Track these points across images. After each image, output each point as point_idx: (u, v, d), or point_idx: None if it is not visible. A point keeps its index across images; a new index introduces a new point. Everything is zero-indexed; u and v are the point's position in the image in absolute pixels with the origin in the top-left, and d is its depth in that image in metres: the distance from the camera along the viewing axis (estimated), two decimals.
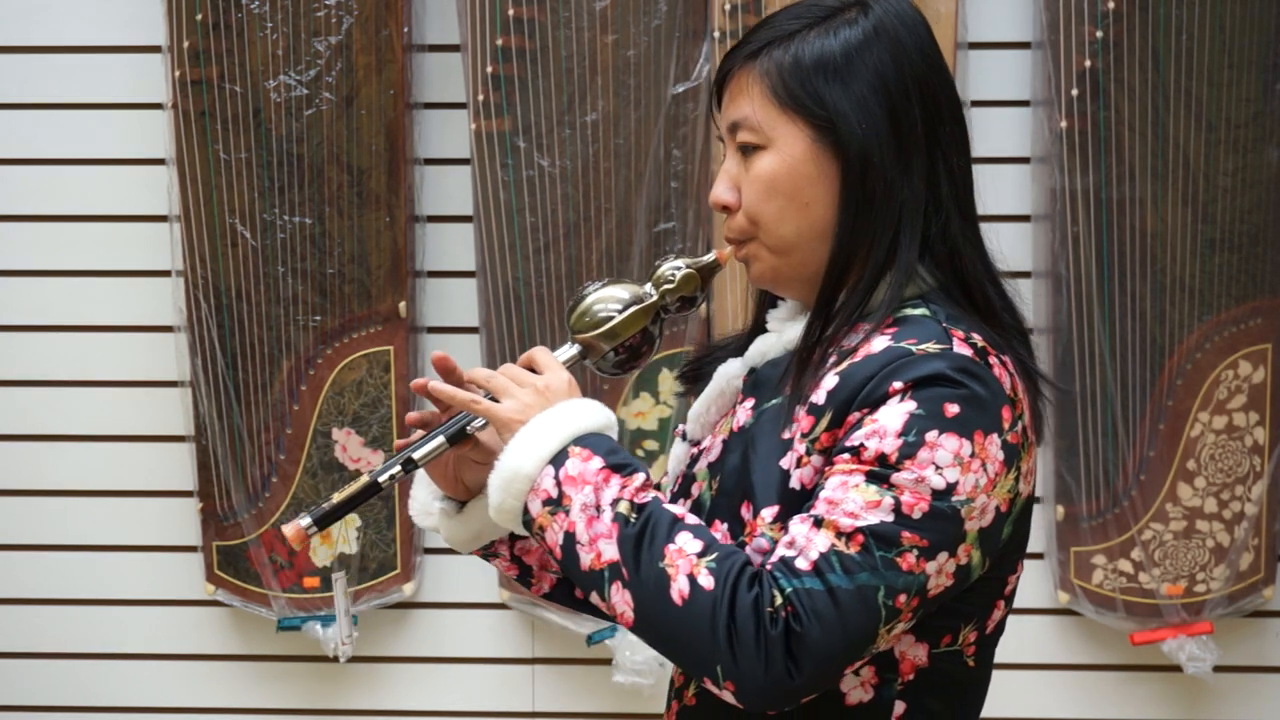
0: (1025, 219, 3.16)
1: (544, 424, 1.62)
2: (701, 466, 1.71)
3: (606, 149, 3.07)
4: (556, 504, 1.59)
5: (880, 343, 1.58)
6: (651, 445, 3.13)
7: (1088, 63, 2.99)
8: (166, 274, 3.18)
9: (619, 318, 1.74)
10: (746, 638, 1.49)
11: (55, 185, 3.24)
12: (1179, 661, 3.12)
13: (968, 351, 1.56)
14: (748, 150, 1.65)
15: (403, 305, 3.12)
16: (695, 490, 1.71)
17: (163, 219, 3.18)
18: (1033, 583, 3.20)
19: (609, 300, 1.75)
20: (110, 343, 3.26)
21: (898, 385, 1.54)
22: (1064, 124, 3.01)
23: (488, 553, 1.81)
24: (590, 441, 1.61)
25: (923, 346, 1.56)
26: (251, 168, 3.09)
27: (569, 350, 1.75)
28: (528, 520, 1.62)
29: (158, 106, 3.17)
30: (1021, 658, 3.21)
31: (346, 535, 3.18)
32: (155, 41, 3.14)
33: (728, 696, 1.52)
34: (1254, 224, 3.04)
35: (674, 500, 1.75)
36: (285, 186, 3.09)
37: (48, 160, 3.24)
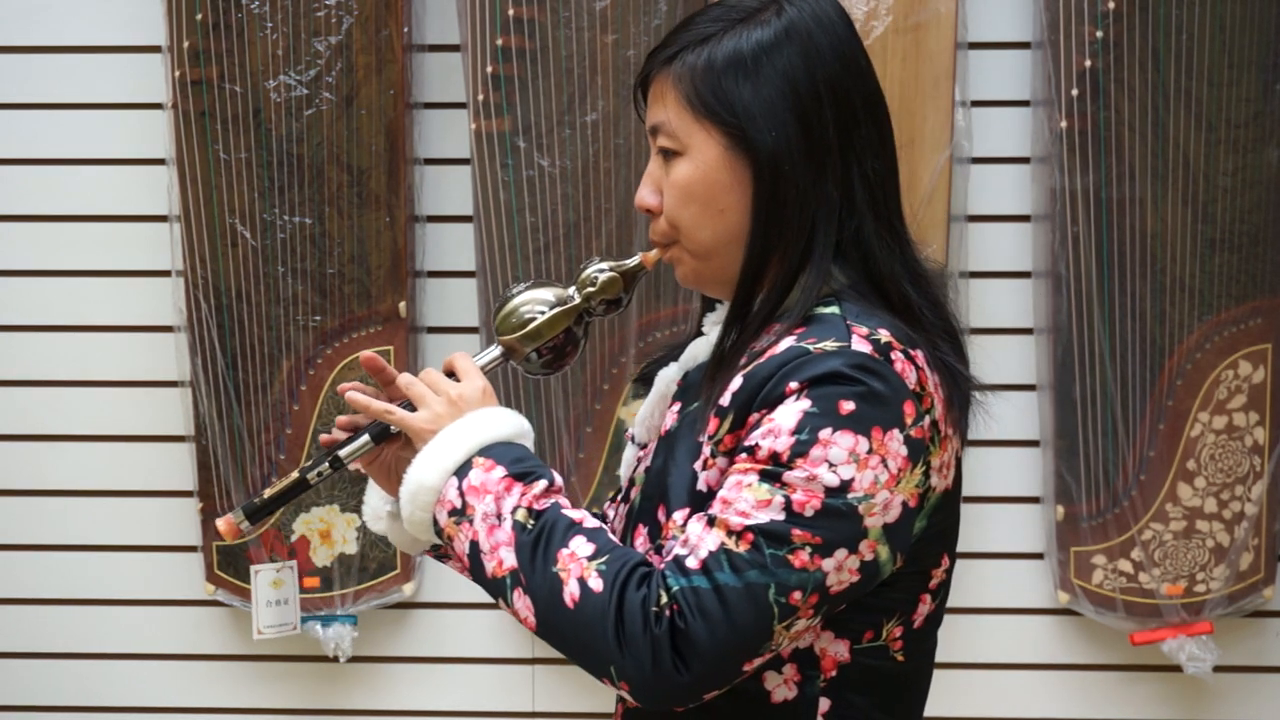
0: (1025, 219, 3.16)
1: (451, 435, 1.65)
2: (640, 471, 1.74)
3: (606, 149, 3.07)
4: (461, 514, 1.62)
5: (785, 343, 1.58)
6: None
7: (1088, 63, 2.99)
8: (166, 274, 3.18)
9: (540, 319, 1.76)
10: (634, 637, 1.52)
11: (55, 185, 3.24)
12: (1179, 661, 3.12)
13: (866, 348, 1.56)
14: (667, 155, 1.67)
15: (403, 305, 3.12)
16: (633, 494, 1.73)
17: (163, 219, 3.18)
18: (1033, 583, 3.20)
19: (533, 302, 1.77)
20: (110, 343, 3.26)
21: (794, 385, 1.55)
22: (1064, 124, 3.01)
23: (440, 555, 1.83)
24: (495, 451, 1.64)
25: (820, 345, 1.56)
26: (251, 168, 3.09)
27: (492, 352, 1.78)
28: (438, 530, 1.65)
29: (158, 106, 3.17)
30: (1021, 658, 3.21)
31: (346, 535, 3.18)
32: (155, 41, 3.14)
33: (625, 696, 1.56)
34: (1254, 224, 3.04)
35: (621, 504, 1.78)
36: (285, 186, 3.09)
37: (48, 160, 3.24)
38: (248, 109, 3.08)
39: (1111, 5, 2.98)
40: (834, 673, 1.61)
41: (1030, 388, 3.16)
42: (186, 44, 3.06)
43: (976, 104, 3.11)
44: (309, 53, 3.06)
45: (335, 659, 3.20)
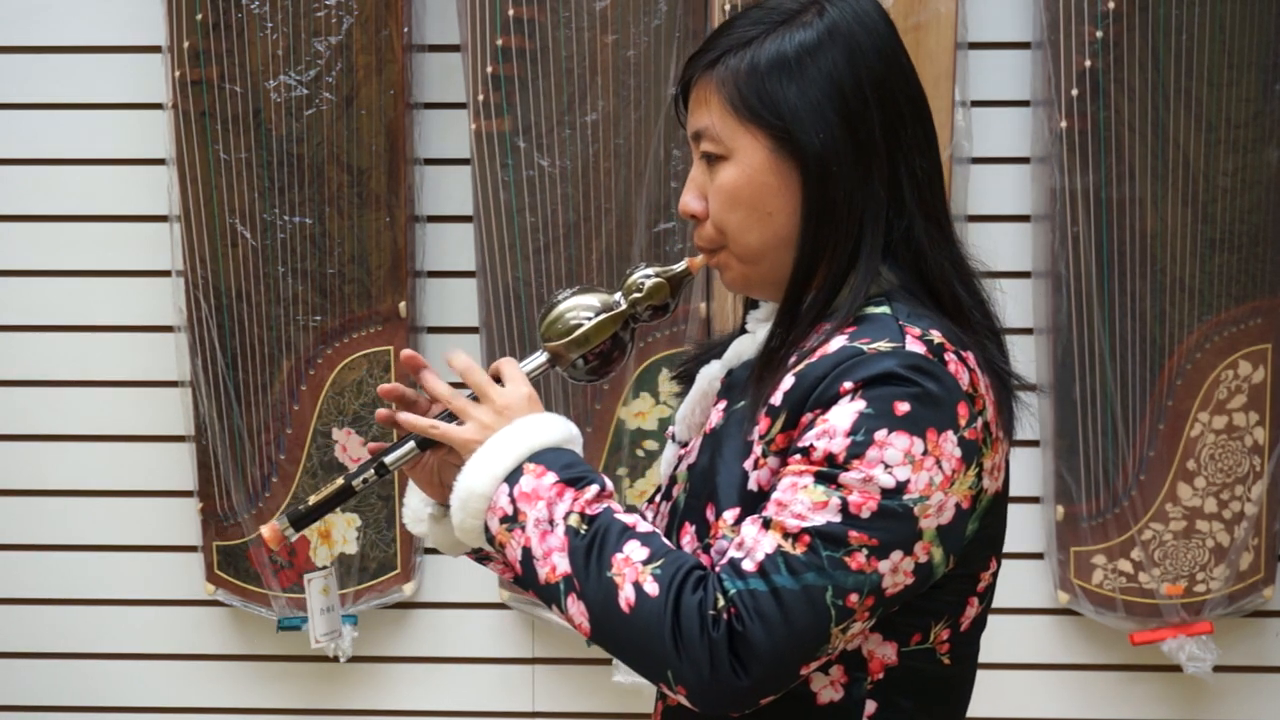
0: (1025, 219, 3.16)
1: (500, 443, 1.64)
2: (682, 469, 1.73)
3: (606, 149, 3.07)
4: (513, 520, 1.61)
5: (837, 342, 1.58)
6: (651, 445, 3.13)
7: (1088, 63, 2.99)
8: (166, 274, 3.18)
9: (587, 325, 1.75)
10: (691, 641, 1.51)
11: (55, 185, 3.24)
12: (1179, 661, 3.12)
13: (921, 349, 1.56)
14: (711, 160, 1.65)
15: (403, 305, 3.12)
16: (675, 492, 1.72)
17: (163, 219, 3.18)
18: (1033, 583, 3.20)
19: (579, 308, 1.76)
20: (110, 343, 3.25)
21: (848, 385, 1.54)
22: (1064, 124, 3.01)
23: (480, 556, 1.82)
24: (545, 457, 1.63)
25: (874, 345, 1.56)
26: (251, 168, 3.09)
27: (538, 358, 1.76)
28: (489, 538, 1.64)
29: (158, 106, 3.17)
30: (1021, 658, 3.21)
31: (346, 535, 3.18)
32: (155, 41, 3.14)
33: (682, 700, 1.53)
34: (1254, 224, 3.04)
35: (661, 502, 1.77)
36: (285, 186, 3.09)
37: (48, 160, 3.24)
38: (248, 109, 3.08)
39: (1111, 5, 2.98)
40: (880, 675, 1.61)
41: (1030, 388, 3.16)
42: (186, 44, 3.06)
43: (976, 104, 3.11)
44: (309, 53, 3.06)
45: (335, 659, 3.20)
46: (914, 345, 1.56)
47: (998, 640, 3.19)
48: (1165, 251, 3.04)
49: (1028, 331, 3.17)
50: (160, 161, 3.16)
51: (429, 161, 3.19)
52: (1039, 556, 3.20)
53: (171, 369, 3.21)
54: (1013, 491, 3.29)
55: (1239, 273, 3.05)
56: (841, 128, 1.61)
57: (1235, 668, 3.21)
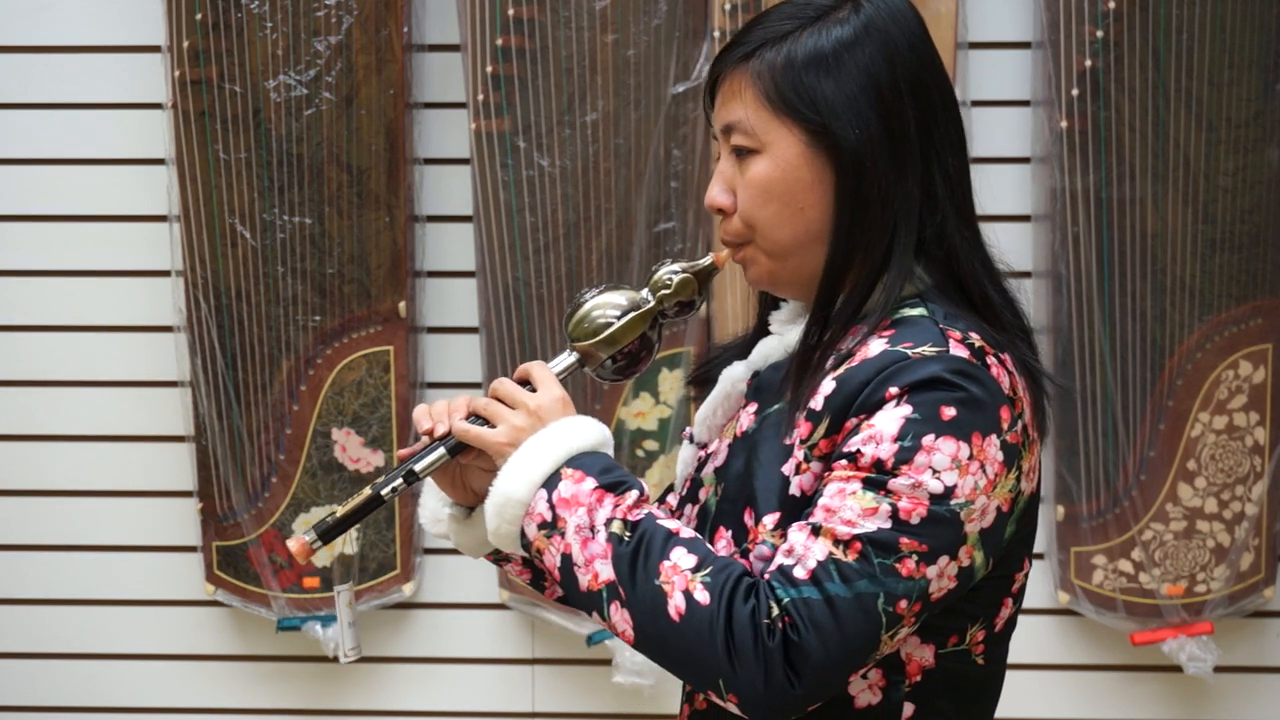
0: (1025, 219, 3.16)
1: (535, 447, 1.62)
2: (708, 471, 1.71)
3: (606, 149, 3.07)
4: (551, 527, 1.59)
5: (877, 346, 1.57)
6: (651, 445, 3.13)
7: (1088, 63, 2.99)
8: (166, 274, 3.18)
9: (617, 324, 1.73)
10: (745, 650, 1.50)
11: (55, 185, 3.24)
12: (1179, 662, 3.12)
13: (964, 353, 1.55)
14: (742, 153, 1.64)
15: (402, 305, 3.12)
16: (703, 495, 1.70)
17: (163, 219, 3.18)
18: (1033, 583, 3.20)
19: (606, 307, 1.74)
20: (110, 343, 3.26)
21: (894, 390, 1.53)
22: (1064, 124, 3.01)
23: (499, 557, 1.81)
24: (583, 462, 1.61)
25: (919, 350, 1.55)
26: (251, 168, 3.09)
27: (567, 359, 1.74)
28: (525, 543, 1.62)
29: (158, 106, 3.17)
30: (1021, 658, 3.20)
31: (347, 536, 3.18)
32: (155, 41, 3.14)
33: (732, 709, 1.52)
34: (1254, 224, 3.04)
35: (681, 505, 1.76)
36: (285, 186, 3.09)
37: (48, 160, 3.24)
38: (248, 109, 3.07)
39: (1111, 5, 2.97)
40: (919, 677, 1.60)
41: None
42: (186, 44, 3.06)
43: (976, 104, 3.11)
44: (309, 53, 3.06)
45: (335, 659, 3.20)
46: (957, 349, 1.55)
47: None
48: (1166, 251, 3.04)
49: (1030, 330, 3.16)
50: (160, 161, 3.16)
51: (429, 161, 3.19)
52: (1039, 557, 3.20)
53: (171, 369, 3.21)
54: None
55: (1239, 273, 3.05)
56: (878, 124, 1.60)
57: (1236, 668, 3.20)
